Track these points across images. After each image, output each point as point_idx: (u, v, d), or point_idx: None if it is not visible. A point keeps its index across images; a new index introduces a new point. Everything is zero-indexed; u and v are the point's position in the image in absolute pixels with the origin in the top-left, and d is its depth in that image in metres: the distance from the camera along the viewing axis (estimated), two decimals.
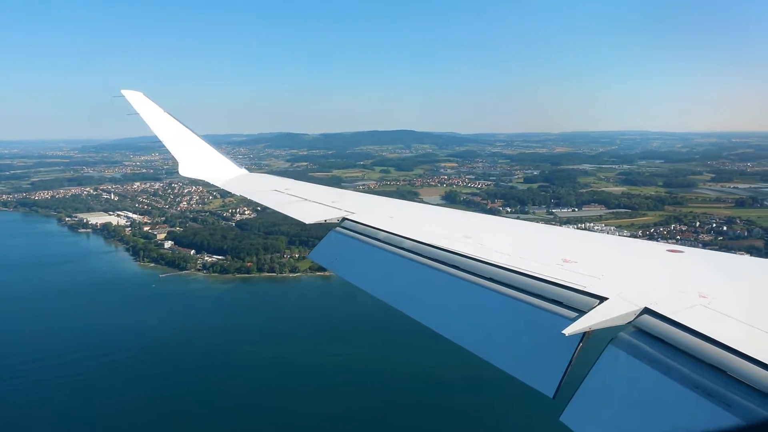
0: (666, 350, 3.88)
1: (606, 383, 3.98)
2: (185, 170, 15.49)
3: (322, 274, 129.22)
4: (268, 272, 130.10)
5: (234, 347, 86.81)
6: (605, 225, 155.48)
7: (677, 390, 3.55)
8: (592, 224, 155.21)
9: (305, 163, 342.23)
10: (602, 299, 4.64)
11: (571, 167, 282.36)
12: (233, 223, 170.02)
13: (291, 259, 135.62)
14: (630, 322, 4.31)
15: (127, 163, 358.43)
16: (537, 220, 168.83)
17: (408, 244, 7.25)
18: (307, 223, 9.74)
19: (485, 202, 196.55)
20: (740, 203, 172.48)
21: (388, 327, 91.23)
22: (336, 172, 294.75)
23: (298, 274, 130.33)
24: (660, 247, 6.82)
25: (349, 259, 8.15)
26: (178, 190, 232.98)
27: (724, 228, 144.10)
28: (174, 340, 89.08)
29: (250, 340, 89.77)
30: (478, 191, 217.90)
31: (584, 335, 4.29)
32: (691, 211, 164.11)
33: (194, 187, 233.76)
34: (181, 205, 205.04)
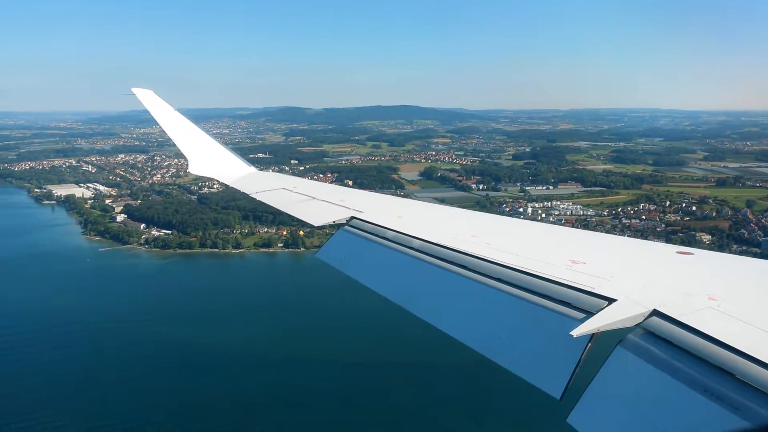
0: (675, 353, 3.86)
1: (614, 385, 3.98)
2: (195, 168, 15.48)
3: (266, 250, 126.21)
4: (211, 248, 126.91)
5: (129, 327, 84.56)
6: (573, 203, 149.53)
7: (686, 393, 3.53)
8: (558, 202, 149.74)
9: (300, 138, 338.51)
10: (611, 301, 4.62)
11: (565, 144, 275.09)
12: (195, 197, 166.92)
13: (239, 235, 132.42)
14: (639, 324, 4.29)
15: (123, 135, 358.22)
16: (507, 197, 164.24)
17: (416, 243, 7.22)
18: (316, 225, 9.64)
19: (461, 178, 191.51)
20: (721, 183, 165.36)
21: (300, 311, 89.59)
22: (325, 147, 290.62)
23: (242, 250, 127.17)
24: (669, 249, 6.62)
25: (358, 258, 8.10)
26: (158, 163, 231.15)
27: (693, 208, 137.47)
28: (65, 318, 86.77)
29: (147, 319, 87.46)
30: (458, 168, 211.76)
31: (592, 337, 4.26)
32: (667, 190, 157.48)
33: (174, 160, 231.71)
34: (154, 177, 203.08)
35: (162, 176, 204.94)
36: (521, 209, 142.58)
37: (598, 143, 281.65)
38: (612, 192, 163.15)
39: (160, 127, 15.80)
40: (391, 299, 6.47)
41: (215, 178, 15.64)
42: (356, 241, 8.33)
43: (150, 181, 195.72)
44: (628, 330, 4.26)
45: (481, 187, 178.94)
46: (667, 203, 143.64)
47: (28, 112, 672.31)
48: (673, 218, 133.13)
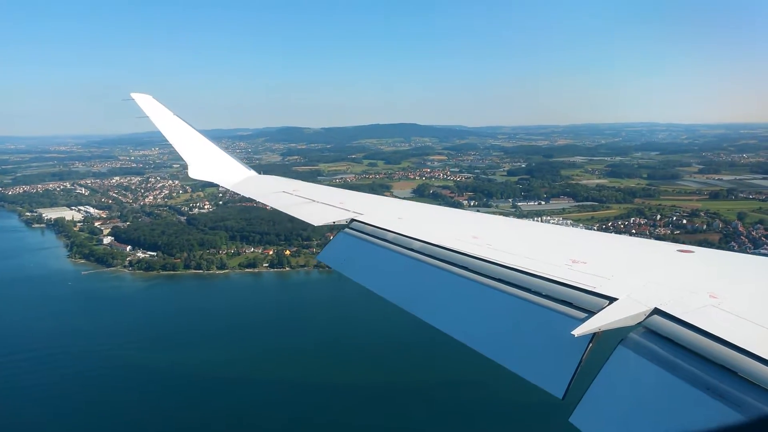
0: (676, 351, 3.89)
1: (616, 384, 4.00)
2: (195, 172, 15.36)
3: (251, 271, 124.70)
4: (195, 269, 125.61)
5: (104, 350, 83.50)
6: (563, 218, 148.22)
7: (688, 391, 3.55)
8: (548, 217, 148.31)
9: (297, 157, 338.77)
10: (612, 300, 4.65)
11: (561, 159, 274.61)
12: (184, 218, 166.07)
13: (225, 255, 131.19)
14: (640, 323, 4.32)
15: (122, 158, 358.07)
16: (498, 214, 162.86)
17: (417, 245, 7.21)
18: (315, 225, 9.61)
19: (452, 195, 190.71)
20: (715, 195, 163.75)
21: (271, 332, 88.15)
22: (321, 166, 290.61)
23: (227, 270, 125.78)
24: (670, 247, 6.66)
25: (358, 260, 8.07)
26: (151, 185, 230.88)
27: (684, 221, 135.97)
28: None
29: (125, 342, 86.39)
30: (452, 185, 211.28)
31: (594, 336, 4.30)
32: (659, 204, 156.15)
33: (168, 182, 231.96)
34: (147, 199, 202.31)
35: (154, 198, 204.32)
36: None
37: (595, 158, 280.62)
38: (603, 206, 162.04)
39: (160, 132, 15.53)
40: (391, 301, 6.41)
41: (215, 182, 15.55)
42: (357, 243, 8.28)
43: (142, 203, 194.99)
44: (630, 329, 4.24)
45: (472, 204, 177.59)
46: (658, 217, 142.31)
47: (30, 137, 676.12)
48: (663, 232, 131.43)
